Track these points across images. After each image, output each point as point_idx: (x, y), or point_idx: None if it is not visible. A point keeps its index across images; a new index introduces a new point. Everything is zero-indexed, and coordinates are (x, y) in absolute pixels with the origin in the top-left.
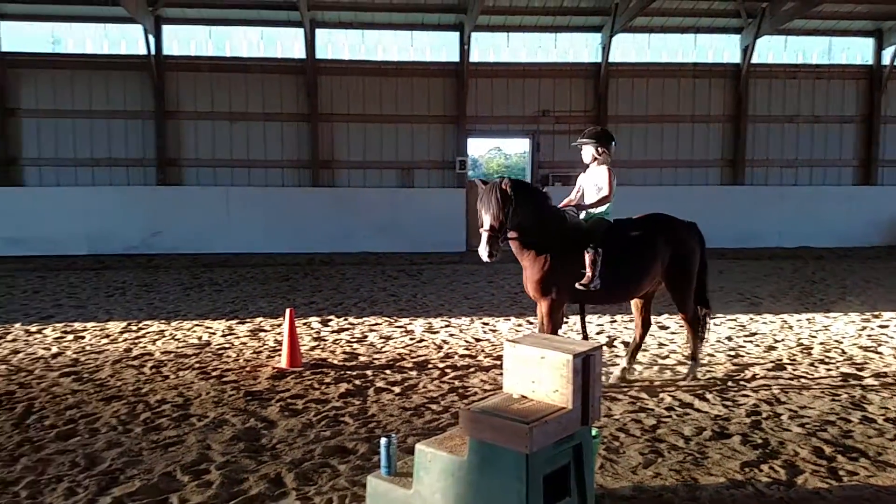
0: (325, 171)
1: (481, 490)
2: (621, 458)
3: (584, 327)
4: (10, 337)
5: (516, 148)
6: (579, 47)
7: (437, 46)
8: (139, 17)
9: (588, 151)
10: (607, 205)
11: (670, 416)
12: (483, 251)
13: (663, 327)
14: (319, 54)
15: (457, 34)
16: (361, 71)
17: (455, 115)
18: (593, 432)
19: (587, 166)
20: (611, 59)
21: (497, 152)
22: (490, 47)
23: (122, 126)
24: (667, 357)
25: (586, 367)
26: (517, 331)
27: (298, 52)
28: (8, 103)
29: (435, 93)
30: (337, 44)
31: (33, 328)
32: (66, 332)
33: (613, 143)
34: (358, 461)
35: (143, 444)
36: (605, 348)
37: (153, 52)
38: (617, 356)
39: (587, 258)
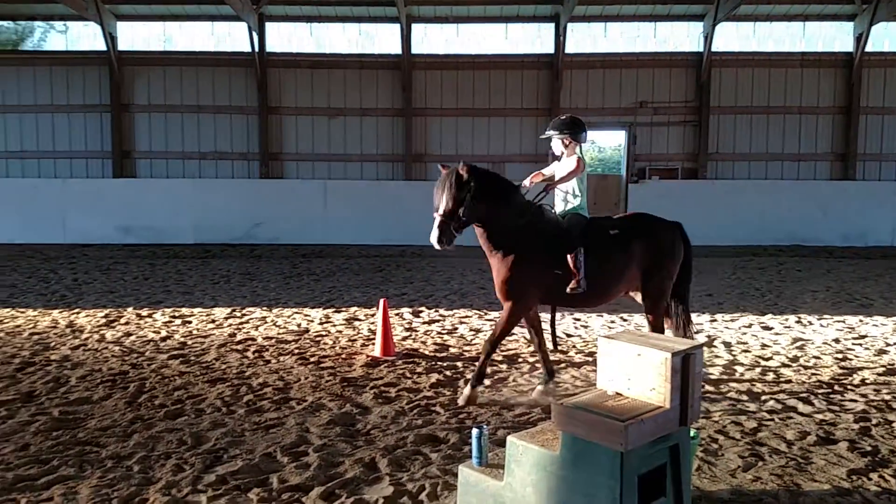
0: (417, 165)
1: (574, 485)
2: (719, 461)
3: (553, 333)
4: (123, 320)
5: (611, 140)
6: (680, 36)
7: (532, 38)
8: (244, 14)
9: (557, 142)
10: (580, 199)
11: (772, 419)
12: (433, 237)
13: (767, 327)
14: (415, 49)
15: (552, 25)
16: (455, 65)
17: (548, 107)
18: (691, 433)
19: (558, 157)
20: (714, 49)
21: (591, 145)
22: (586, 38)
23: (227, 121)
24: (770, 359)
25: (685, 365)
26: (609, 327)
27: (395, 47)
28: (122, 99)
29: (528, 85)
30: (432, 38)
31: (144, 312)
32: (174, 317)
33: (583, 132)
34: (449, 450)
35: (245, 426)
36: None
37: (257, 49)
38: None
39: (570, 260)
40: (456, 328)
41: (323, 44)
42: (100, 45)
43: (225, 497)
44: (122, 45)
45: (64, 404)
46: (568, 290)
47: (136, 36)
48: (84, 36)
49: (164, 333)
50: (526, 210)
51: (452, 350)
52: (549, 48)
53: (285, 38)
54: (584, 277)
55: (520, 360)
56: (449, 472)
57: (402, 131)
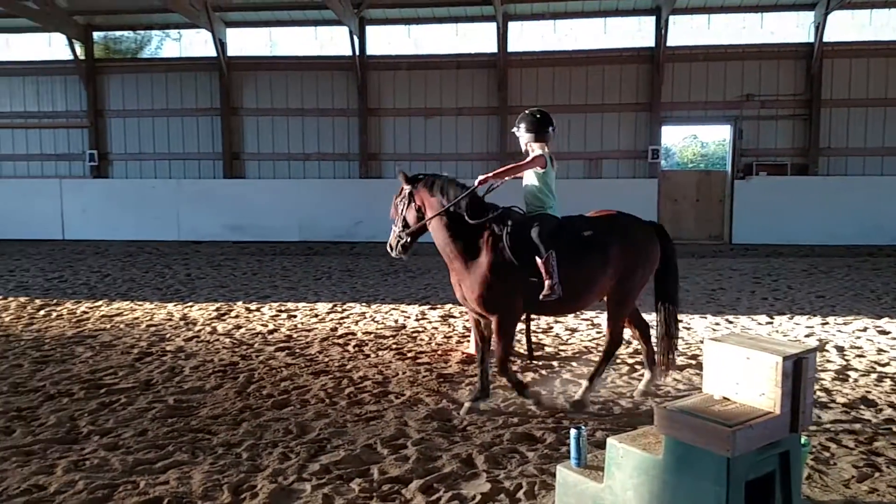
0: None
1: (677, 490)
2: (832, 470)
3: (529, 341)
4: (233, 313)
5: (715, 135)
6: (789, 26)
7: (632, 32)
8: (346, 19)
9: (521, 139)
10: (548, 199)
11: (889, 428)
12: (388, 246)
13: (883, 332)
14: (511, 47)
15: (653, 18)
16: (551, 62)
17: (648, 101)
18: (802, 440)
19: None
20: (825, 39)
21: (693, 140)
22: (689, 30)
23: (329, 123)
24: (887, 364)
25: (797, 370)
26: (714, 329)
27: (491, 46)
28: (232, 103)
29: (627, 80)
30: (528, 35)
31: (253, 306)
32: (280, 311)
33: (545, 128)
34: (546, 450)
35: (347, 417)
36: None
37: (357, 52)
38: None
39: (540, 264)
40: (551, 327)
41: (420, 45)
42: (210, 51)
43: (328, 486)
44: (231, 52)
45: (178, 393)
46: (541, 296)
47: (244, 42)
48: (196, 43)
49: (271, 327)
50: (484, 212)
51: (548, 349)
52: (650, 41)
53: (384, 40)
54: (557, 283)
55: (618, 361)
56: (546, 471)
57: (496, 130)
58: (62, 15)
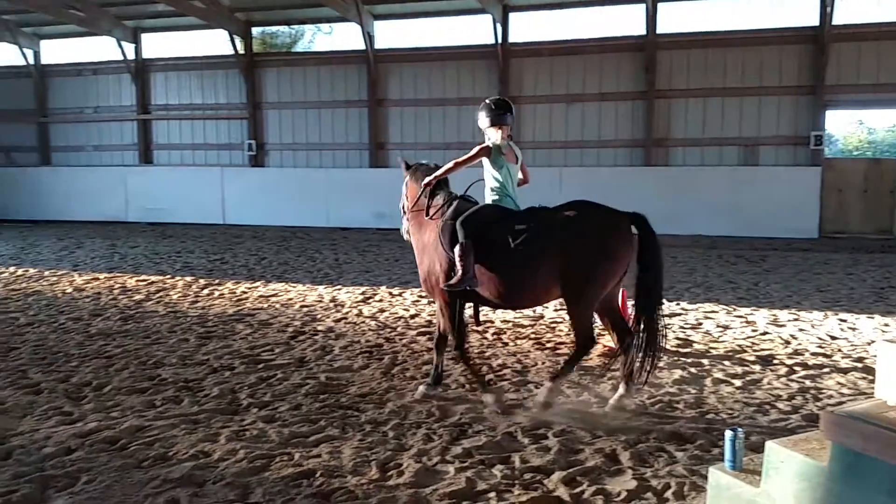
0: (658, 150)
1: (843, 501)
2: None
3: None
4: (377, 297)
5: (885, 121)
6: None
7: (794, 10)
8: (489, 7)
9: (481, 127)
10: (497, 189)
11: None
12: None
13: None
14: (660, 29)
15: None
16: (704, 43)
17: (811, 85)
18: None
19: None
20: None
21: (859, 126)
22: (857, 7)
23: (469, 112)
24: None
25: None
26: (883, 331)
27: (638, 28)
28: (378, 94)
29: (788, 61)
30: (676, 17)
31: (395, 291)
32: (420, 297)
33: (497, 115)
34: (696, 450)
35: (486, 403)
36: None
37: (499, 40)
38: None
39: (456, 252)
40: (700, 323)
41: (564, 30)
42: (359, 44)
43: (471, 470)
44: (378, 44)
45: (329, 371)
46: (444, 284)
47: (390, 34)
48: (346, 36)
49: (412, 311)
50: (445, 201)
51: (697, 346)
52: (814, 20)
53: (527, 27)
54: (469, 273)
55: (775, 361)
56: (696, 472)
57: (642, 115)
58: (225, 12)
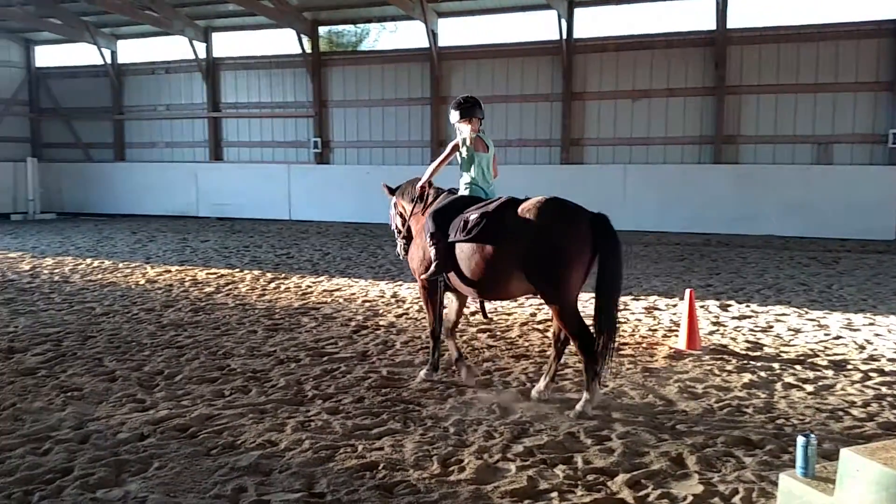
0: (728, 147)
1: None
2: None
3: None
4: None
5: None
6: None
7: (871, 3)
8: (554, 3)
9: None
10: (474, 179)
11: None
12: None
13: None
14: (730, 24)
15: None
16: (776, 38)
17: (889, 81)
18: None
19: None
20: None
21: None
22: None
23: (532, 109)
24: None
25: None
26: None
27: (707, 23)
28: (441, 92)
29: (865, 56)
30: (749, 10)
31: None
32: None
33: (464, 111)
34: (765, 456)
35: (548, 402)
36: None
37: (564, 35)
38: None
39: (428, 243)
40: (771, 326)
41: (631, 25)
42: (423, 42)
43: (533, 469)
44: (442, 42)
45: (391, 365)
46: (422, 276)
47: (454, 31)
48: (410, 35)
49: (472, 308)
50: (435, 197)
51: (767, 350)
52: (892, 13)
53: (592, 22)
54: (435, 262)
55: (849, 367)
56: (766, 479)
57: (711, 112)
58: (292, 11)
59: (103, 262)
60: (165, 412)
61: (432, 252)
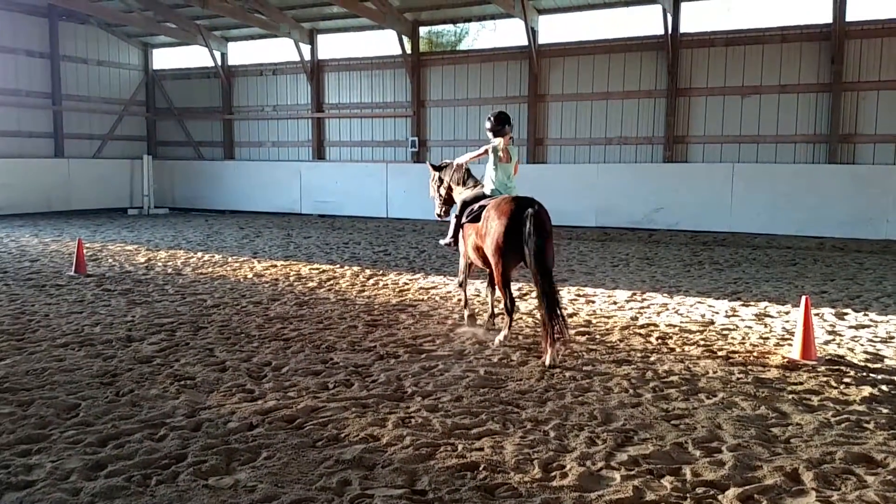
0: (844, 146)
1: None
2: None
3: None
4: (533, 294)
5: None
6: None
7: None
8: None
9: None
10: (491, 180)
11: None
12: (437, 215)
13: None
14: (849, 16)
15: None
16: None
17: None
18: None
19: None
20: None
21: None
22: None
23: (634, 106)
24: None
25: None
26: None
27: (823, 16)
28: (539, 90)
29: None
30: (867, 2)
31: None
32: (578, 295)
33: (498, 126)
34: (889, 475)
35: (652, 411)
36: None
37: (670, 30)
38: None
39: (452, 222)
40: (892, 337)
41: (741, 19)
42: (521, 40)
43: (638, 479)
44: (542, 39)
45: (488, 365)
46: (441, 242)
47: (553, 28)
48: (509, 33)
49: (570, 310)
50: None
51: (889, 362)
52: None
53: (698, 17)
54: (450, 237)
55: None
56: (890, 500)
57: (826, 109)
58: (394, 13)
59: (213, 256)
60: (273, 403)
61: (452, 225)
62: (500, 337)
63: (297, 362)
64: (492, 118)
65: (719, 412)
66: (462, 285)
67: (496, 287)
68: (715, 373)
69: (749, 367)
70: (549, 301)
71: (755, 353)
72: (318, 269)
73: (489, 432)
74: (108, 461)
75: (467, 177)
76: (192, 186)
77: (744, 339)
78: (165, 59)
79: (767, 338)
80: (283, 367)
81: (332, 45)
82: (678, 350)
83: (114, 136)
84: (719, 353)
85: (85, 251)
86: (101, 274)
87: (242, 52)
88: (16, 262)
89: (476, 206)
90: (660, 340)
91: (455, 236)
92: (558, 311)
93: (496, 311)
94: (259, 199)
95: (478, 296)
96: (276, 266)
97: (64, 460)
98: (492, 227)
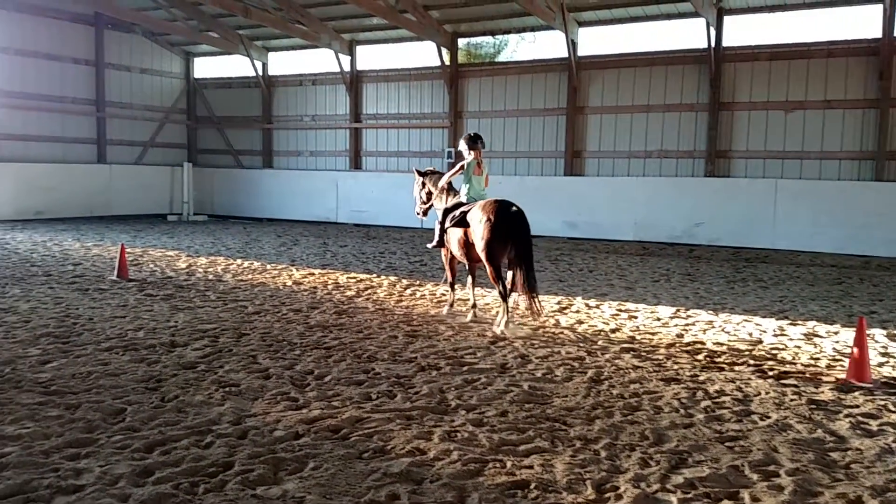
0: (892, 164)
1: None
2: None
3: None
4: (573, 308)
5: None
6: None
7: None
8: (703, 10)
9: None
10: (468, 189)
11: None
12: (416, 214)
13: None
14: None
15: None
16: None
17: None
18: None
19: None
20: None
21: None
22: None
23: (675, 119)
24: None
25: None
26: None
27: (873, 30)
28: (578, 102)
29: None
30: None
31: (592, 303)
32: (620, 311)
33: (471, 143)
34: None
35: (706, 432)
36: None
37: (713, 44)
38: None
39: (437, 227)
40: None
41: (785, 33)
42: (561, 51)
43: (696, 502)
44: (581, 52)
45: (532, 380)
46: (427, 245)
47: (592, 40)
48: (548, 45)
49: (612, 325)
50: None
51: None
52: None
53: (742, 30)
54: (437, 241)
55: None
56: None
57: (873, 125)
58: (434, 24)
59: (252, 263)
60: (318, 412)
61: (437, 231)
62: (502, 325)
63: (340, 371)
64: (469, 134)
65: (774, 434)
66: (450, 284)
67: (493, 281)
68: (767, 393)
69: (802, 388)
70: (531, 283)
71: (807, 374)
72: (355, 277)
73: (538, 449)
74: (156, 467)
75: (448, 188)
76: (230, 194)
77: (794, 359)
78: (207, 68)
79: (818, 358)
80: (326, 375)
81: (371, 56)
82: (727, 369)
83: (155, 144)
84: (770, 373)
85: (126, 256)
86: (142, 279)
87: (282, 63)
88: (59, 266)
89: (458, 211)
90: (708, 359)
91: (441, 240)
92: (536, 290)
93: (478, 301)
94: (296, 208)
95: (467, 299)
96: (313, 274)
97: (112, 465)
98: (481, 225)
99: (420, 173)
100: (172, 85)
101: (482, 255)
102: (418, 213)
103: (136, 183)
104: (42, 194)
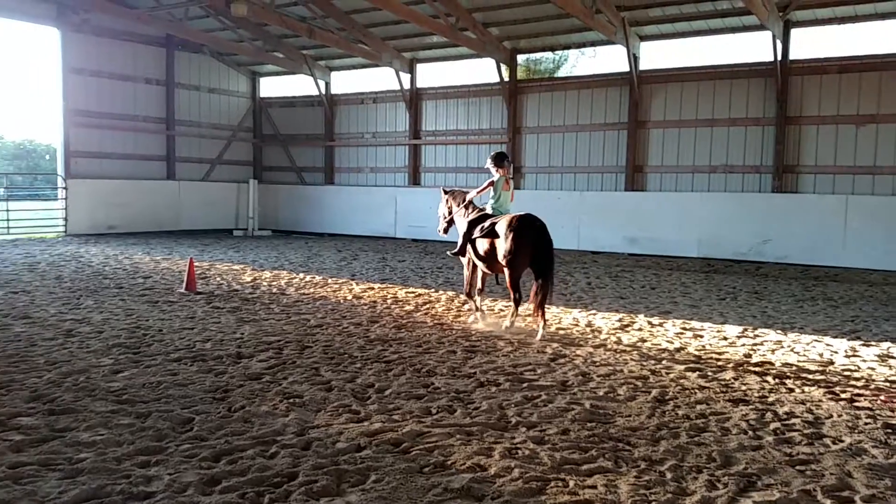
0: None
1: None
2: None
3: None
4: (636, 326)
5: None
6: None
7: None
8: (769, 23)
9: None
10: (490, 200)
11: None
12: (438, 231)
13: None
14: None
15: None
16: None
17: None
18: None
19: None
20: None
21: None
22: None
23: (741, 133)
24: None
25: None
26: None
27: None
28: (639, 116)
29: None
30: None
31: (655, 321)
32: (684, 329)
33: (500, 161)
34: None
35: (775, 455)
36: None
37: (779, 57)
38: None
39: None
40: None
41: (856, 45)
42: (622, 66)
43: None
44: (643, 65)
45: (593, 398)
46: (449, 252)
47: (654, 54)
48: (609, 59)
49: (677, 344)
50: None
51: None
52: None
53: (809, 43)
54: (458, 247)
55: None
56: None
57: None
58: (494, 41)
59: (314, 277)
60: (379, 425)
61: (460, 241)
62: (507, 323)
63: (400, 385)
64: (495, 155)
65: (848, 459)
66: (471, 296)
67: (510, 288)
68: (840, 416)
69: (877, 411)
70: (545, 294)
71: (883, 398)
72: (413, 292)
73: (601, 469)
74: (223, 476)
75: (469, 204)
76: (294, 210)
77: (868, 381)
78: (272, 87)
79: (894, 381)
80: (386, 389)
81: (431, 74)
82: (797, 391)
83: (222, 161)
84: (842, 396)
85: (195, 269)
86: (209, 292)
87: (345, 81)
88: (130, 279)
89: (487, 223)
90: (777, 380)
91: (463, 249)
92: (548, 301)
93: (485, 308)
94: (356, 223)
95: (491, 310)
96: (373, 288)
97: (181, 473)
98: (506, 236)
99: (445, 191)
100: (239, 104)
101: (504, 264)
102: (440, 231)
103: (204, 199)
104: (114, 209)
